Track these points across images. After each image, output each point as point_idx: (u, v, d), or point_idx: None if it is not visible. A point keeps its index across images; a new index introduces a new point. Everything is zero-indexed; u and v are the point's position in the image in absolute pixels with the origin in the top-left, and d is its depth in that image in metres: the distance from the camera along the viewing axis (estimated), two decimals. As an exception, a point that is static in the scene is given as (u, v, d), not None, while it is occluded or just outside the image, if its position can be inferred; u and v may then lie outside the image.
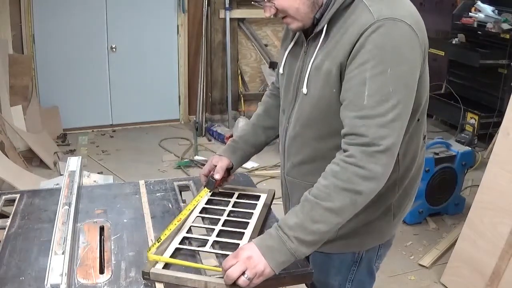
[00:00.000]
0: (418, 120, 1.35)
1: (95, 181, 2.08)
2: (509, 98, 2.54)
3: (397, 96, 1.18)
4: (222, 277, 1.25)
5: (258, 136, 1.66)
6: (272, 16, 1.32)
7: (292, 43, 1.44)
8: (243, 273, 1.19)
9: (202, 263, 1.36)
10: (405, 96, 1.20)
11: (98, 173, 3.62)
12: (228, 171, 1.60)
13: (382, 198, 1.35)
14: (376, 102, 1.17)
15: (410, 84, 1.22)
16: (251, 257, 1.20)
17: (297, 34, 1.42)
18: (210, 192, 1.56)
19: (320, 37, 1.29)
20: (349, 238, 1.42)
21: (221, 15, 5.28)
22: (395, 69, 1.17)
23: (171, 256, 1.36)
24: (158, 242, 1.36)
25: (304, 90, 1.33)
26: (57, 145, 4.77)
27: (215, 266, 1.31)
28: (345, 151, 1.21)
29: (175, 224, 1.42)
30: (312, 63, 1.31)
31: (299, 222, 1.20)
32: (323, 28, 1.28)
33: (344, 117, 1.22)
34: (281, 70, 1.49)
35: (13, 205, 1.68)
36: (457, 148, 3.52)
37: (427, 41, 1.28)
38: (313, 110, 1.33)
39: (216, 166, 1.56)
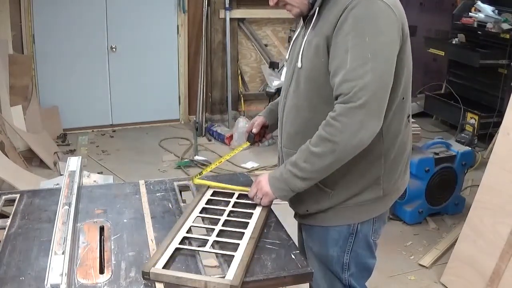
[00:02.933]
0: (403, 98, 1.51)
1: (95, 181, 2.08)
2: (509, 98, 2.54)
3: (374, 62, 1.34)
4: (222, 277, 1.26)
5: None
6: (274, 5, 1.52)
7: (296, 34, 1.64)
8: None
9: (202, 263, 1.36)
10: (382, 63, 1.36)
11: (98, 173, 3.62)
12: (265, 129, 1.89)
13: (368, 170, 1.53)
14: (357, 65, 1.34)
15: (387, 54, 1.38)
16: (260, 181, 1.58)
17: (301, 25, 1.61)
18: (251, 145, 1.89)
19: (313, 20, 1.48)
20: (342, 210, 1.57)
21: (221, 15, 5.28)
22: (373, 38, 1.35)
23: (171, 256, 1.36)
24: (200, 174, 1.80)
25: (299, 64, 1.51)
26: (57, 145, 4.77)
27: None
28: (327, 111, 1.41)
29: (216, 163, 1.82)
30: (305, 41, 1.50)
31: (296, 159, 1.46)
32: (315, 11, 1.47)
33: (333, 82, 1.40)
34: (286, 56, 1.70)
35: (13, 205, 1.68)
36: (457, 148, 3.52)
37: (405, 21, 1.45)
38: (306, 81, 1.50)
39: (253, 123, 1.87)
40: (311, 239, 1.69)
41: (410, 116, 1.61)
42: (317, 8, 1.47)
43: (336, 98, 1.39)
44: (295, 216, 1.72)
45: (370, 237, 1.63)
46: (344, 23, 1.36)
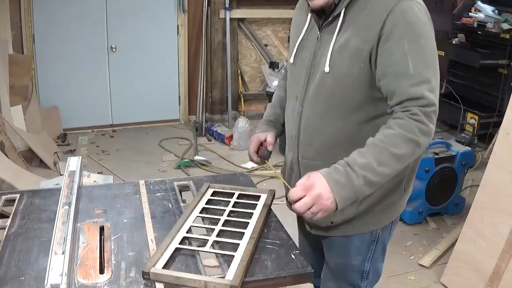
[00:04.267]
0: None
1: (95, 181, 2.08)
2: (509, 98, 2.54)
3: (433, 63, 1.34)
4: (222, 277, 1.25)
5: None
6: None
7: (303, 33, 1.53)
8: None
9: (202, 263, 1.36)
10: (436, 63, 1.35)
11: (98, 173, 3.62)
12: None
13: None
14: (421, 69, 1.31)
15: (436, 54, 1.37)
16: (321, 194, 1.25)
17: (308, 24, 1.51)
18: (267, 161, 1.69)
19: (338, 21, 1.40)
20: (367, 217, 1.50)
21: (221, 15, 5.28)
22: (427, 41, 1.34)
23: (171, 256, 1.36)
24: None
25: (327, 68, 1.41)
26: (57, 145, 4.77)
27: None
28: (405, 110, 1.31)
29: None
30: (333, 45, 1.40)
31: (368, 162, 1.28)
32: (340, 12, 1.39)
33: (394, 87, 1.32)
34: (291, 60, 1.56)
35: (13, 205, 1.68)
36: (457, 148, 3.52)
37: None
38: (337, 87, 1.41)
39: (263, 141, 1.68)
40: (330, 252, 1.61)
41: None
42: (344, 9, 1.39)
43: (403, 101, 1.32)
44: (311, 229, 1.61)
45: (387, 241, 1.60)
46: (394, 28, 1.32)
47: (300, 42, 1.53)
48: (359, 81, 1.38)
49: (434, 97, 1.32)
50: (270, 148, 1.66)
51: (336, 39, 1.40)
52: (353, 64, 1.37)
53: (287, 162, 1.64)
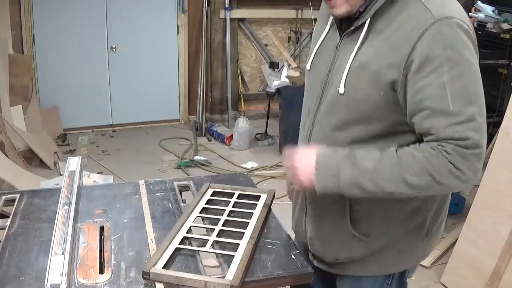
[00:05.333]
0: None
1: (95, 181, 2.08)
2: (509, 98, 2.54)
3: (479, 96, 1.13)
4: (222, 277, 1.26)
5: None
6: None
7: (322, 38, 1.34)
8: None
9: (202, 263, 1.36)
10: (482, 95, 1.14)
11: (98, 173, 3.61)
12: None
13: (414, 214, 1.30)
14: (462, 106, 1.10)
15: (481, 85, 1.15)
16: (299, 169, 1.22)
17: (328, 28, 1.33)
18: None
19: (361, 32, 1.19)
20: (381, 259, 1.34)
21: (221, 15, 5.28)
22: (470, 68, 1.11)
23: (171, 256, 1.36)
24: None
25: (341, 89, 1.22)
26: (57, 145, 4.77)
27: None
28: (440, 145, 1.13)
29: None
30: (352, 60, 1.20)
31: (371, 169, 1.15)
32: (365, 22, 1.18)
33: (430, 126, 1.13)
34: (308, 66, 1.39)
35: (13, 205, 1.67)
36: (457, 148, 3.51)
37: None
38: (351, 112, 1.22)
39: None
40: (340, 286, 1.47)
41: None
42: (369, 19, 1.18)
43: (440, 140, 1.12)
44: (314, 259, 1.47)
45: (406, 277, 1.43)
46: (430, 53, 1.09)
47: (318, 48, 1.34)
48: (378, 111, 1.19)
49: (480, 138, 1.11)
50: None
51: (356, 54, 1.20)
52: (372, 91, 1.17)
53: None
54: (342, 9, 1.20)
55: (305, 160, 1.21)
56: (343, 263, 1.38)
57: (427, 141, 1.15)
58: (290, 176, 1.25)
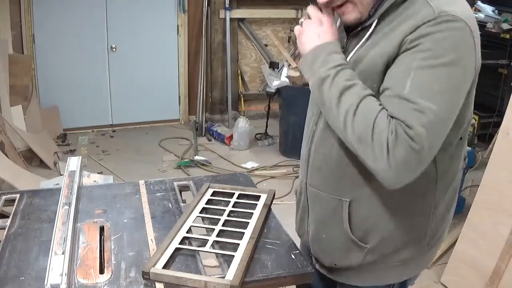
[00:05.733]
0: (461, 138, 1.24)
1: (95, 181, 2.08)
2: (509, 98, 2.54)
3: (441, 97, 1.06)
4: (222, 277, 1.26)
5: None
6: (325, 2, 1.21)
7: None
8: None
9: (202, 263, 1.36)
10: (452, 99, 1.08)
11: (98, 173, 3.61)
12: None
13: (415, 225, 1.27)
14: (417, 96, 1.05)
15: (457, 92, 1.09)
16: (302, 39, 1.25)
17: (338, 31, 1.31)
18: None
19: (366, 33, 1.18)
20: (379, 269, 1.32)
21: (221, 15, 5.28)
22: (447, 69, 1.06)
23: (171, 256, 1.36)
24: None
25: None
26: (57, 145, 4.77)
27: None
28: (398, 123, 1.07)
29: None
30: (351, 57, 1.20)
31: (341, 85, 1.13)
32: (372, 23, 1.17)
33: (384, 104, 1.10)
34: None
35: (13, 205, 1.67)
36: (457, 148, 3.51)
37: (480, 51, 1.15)
38: None
39: None
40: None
41: (466, 159, 1.36)
42: (376, 21, 1.17)
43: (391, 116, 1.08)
44: (316, 263, 1.45)
45: (407, 285, 1.41)
46: (415, 41, 1.07)
47: None
48: None
49: (424, 134, 1.04)
50: None
51: (354, 52, 1.19)
52: (367, 81, 1.14)
53: (298, 184, 1.47)
54: (351, 16, 1.19)
55: (312, 35, 1.23)
56: (342, 270, 1.36)
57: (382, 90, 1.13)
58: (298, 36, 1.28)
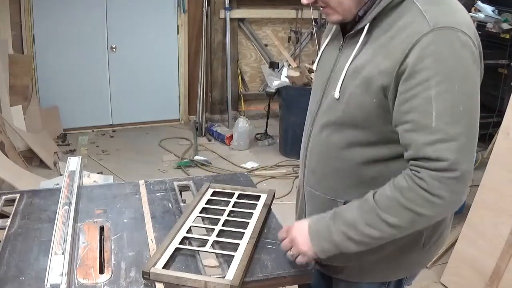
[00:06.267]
0: None
1: (95, 181, 2.08)
2: (509, 98, 2.54)
3: (468, 116, 1.06)
4: (222, 277, 1.26)
5: None
6: (310, 4, 1.21)
7: (328, 39, 1.34)
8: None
9: (202, 263, 1.36)
10: (475, 115, 1.08)
11: (98, 173, 3.61)
12: None
13: None
14: (446, 123, 1.04)
15: (476, 103, 1.09)
16: (296, 239, 1.25)
17: (334, 29, 1.32)
18: None
19: (360, 37, 1.17)
20: (373, 267, 1.33)
21: (221, 15, 5.28)
22: (462, 85, 1.05)
23: (171, 256, 1.36)
24: None
25: (336, 94, 1.21)
26: (57, 145, 4.77)
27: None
28: (414, 171, 1.10)
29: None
30: (349, 65, 1.19)
31: (352, 219, 1.16)
32: (364, 27, 1.16)
33: (410, 140, 1.09)
34: (314, 67, 1.39)
35: (13, 205, 1.68)
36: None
37: (481, 55, 1.15)
38: (345, 116, 1.21)
39: None
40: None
41: None
42: (368, 25, 1.15)
43: (414, 159, 1.10)
44: (315, 264, 1.44)
45: (403, 285, 1.40)
46: (419, 63, 1.05)
47: (324, 48, 1.34)
48: (370, 117, 1.16)
49: (460, 160, 1.05)
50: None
51: (353, 59, 1.18)
52: (364, 96, 1.15)
53: (298, 182, 1.50)
54: (333, 18, 1.21)
55: (300, 230, 1.25)
56: (337, 267, 1.37)
57: (406, 159, 1.12)
58: (292, 249, 1.28)
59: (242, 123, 4.93)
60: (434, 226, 1.30)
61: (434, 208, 1.08)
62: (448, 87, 1.04)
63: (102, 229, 1.53)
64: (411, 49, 1.06)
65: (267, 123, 5.13)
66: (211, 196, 1.73)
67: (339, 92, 1.20)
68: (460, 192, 1.08)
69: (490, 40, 4.84)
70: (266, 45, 5.71)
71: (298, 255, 1.26)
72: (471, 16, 4.96)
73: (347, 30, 1.24)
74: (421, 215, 1.09)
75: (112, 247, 1.43)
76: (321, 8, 1.22)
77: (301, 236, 1.24)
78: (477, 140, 1.10)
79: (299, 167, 1.46)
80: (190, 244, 1.44)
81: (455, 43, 1.05)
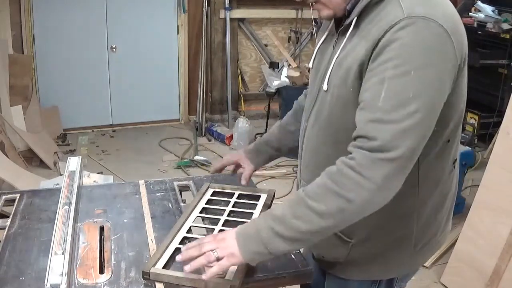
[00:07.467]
0: (448, 141, 1.21)
1: (95, 181, 2.08)
2: (509, 98, 2.55)
3: (417, 102, 1.03)
4: (222, 277, 1.25)
5: (283, 139, 1.64)
6: (302, 0, 1.23)
7: (324, 37, 1.34)
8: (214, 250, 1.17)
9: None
10: (428, 103, 1.05)
11: (98, 173, 3.61)
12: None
13: (396, 228, 1.26)
14: (392, 106, 1.03)
15: (434, 94, 1.06)
16: (224, 239, 1.18)
17: (330, 26, 1.32)
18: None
19: (349, 31, 1.18)
20: (364, 265, 1.32)
21: (221, 15, 5.29)
22: (420, 72, 1.04)
23: (171, 256, 1.36)
24: None
25: (325, 86, 1.22)
26: (57, 145, 4.78)
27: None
28: (349, 153, 1.08)
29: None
30: (336, 58, 1.20)
31: (281, 214, 1.12)
32: (352, 21, 1.16)
33: (357, 119, 1.09)
34: (310, 64, 1.40)
35: (13, 205, 1.67)
36: (457, 148, 3.51)
37: (465, 50, 1.13)
38: (332, 110, 1.21)
39: (235, 162, 1.68)
40: (327, 285, 1.47)
41: (457, 161, 1.31)
42: (355, 18, 1.16)
43: (355, 139, 1.09)
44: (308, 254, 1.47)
45: (394, 285, 1.38)
46: (386, 47, 1.06)
47: (320, 46, 1.35)
48: (349, 108, 1.15)
49: (399, 144, 1.02)
50: (243, 182, 1.63)
51: (339, 52, 1.19)
52: (343, 86, 1.16)
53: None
54: (324, 13, 1.22)
55: (229, 232, 1.20)
56: (329, 262, 1.37)
57: (352, 137, 1.11)
58: (210, 246, 1.18)
59: (242, 123, 4.93)
60: (424, 225, 1.29)
61: (363, 192, 1.04)
62: (404, 71, 1.03)
63: (102, 229, 1.53)
64: (384, 35, 1.07)
65: (267, 123, 5.13)
66: (211, 196, 1.73)
67: (327, 84, 1.22)
68: (392, 178, 1.04)
69: (490, 40, 4.84)
70: (266, 45, 5.72)
71: (223, 257, 1.16)
72: (471, 16, 4.97)
73: (340, 26, 1.25)
74: (350, 201, 1.05)
75: (112, 247, 1.43)
76: (312, 4, 1.23)
77: (229, 238, 1.17)
78: (429, 131, 1.07)
79: None
80: (190, 244, 1.44)
81: (424, 32, 1.04)
